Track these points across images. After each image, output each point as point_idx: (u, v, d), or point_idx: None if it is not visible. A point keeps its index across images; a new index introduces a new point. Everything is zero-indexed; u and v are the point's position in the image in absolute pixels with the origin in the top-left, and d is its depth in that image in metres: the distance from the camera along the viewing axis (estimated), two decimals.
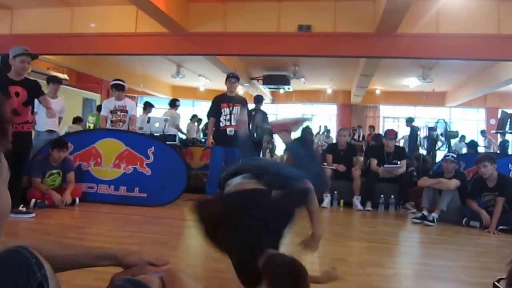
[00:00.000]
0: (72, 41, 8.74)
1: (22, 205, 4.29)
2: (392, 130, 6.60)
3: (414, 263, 3.34)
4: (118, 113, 5.91)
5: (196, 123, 11.61)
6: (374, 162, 6.14)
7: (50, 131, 5.73)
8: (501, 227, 4.54)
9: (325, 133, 13.10)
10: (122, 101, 5.97)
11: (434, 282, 2.67)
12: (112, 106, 5.94)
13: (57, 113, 5.93)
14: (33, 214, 4.19)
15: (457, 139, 9.64)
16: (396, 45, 7.75)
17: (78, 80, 13.32)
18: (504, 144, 10.03)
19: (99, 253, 1.21)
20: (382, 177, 6.08)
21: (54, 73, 9.93)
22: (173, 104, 8.82)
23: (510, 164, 5.57)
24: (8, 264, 0.98)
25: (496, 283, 0.72)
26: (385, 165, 6.04)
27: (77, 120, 9.46)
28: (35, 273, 1.00)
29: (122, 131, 5.74)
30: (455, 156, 5.46)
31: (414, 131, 10.77)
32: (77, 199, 5.07)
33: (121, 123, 5.91)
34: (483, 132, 12.89)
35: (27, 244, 1.05)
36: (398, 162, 6.07)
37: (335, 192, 6.18)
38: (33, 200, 4.64)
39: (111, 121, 5.91)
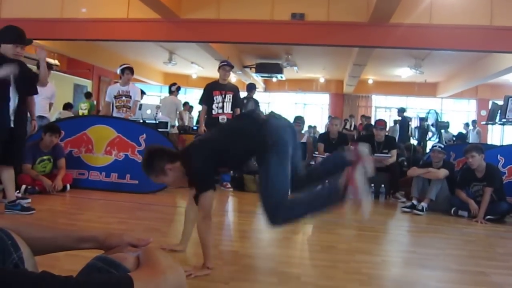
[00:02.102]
0: (62, 26, 8.62)
1: (17, 191, 4.26)
2: (383, 120, 6.62)
3: (402, 251, 3.39)
4: (123, 98, 5.87)
5: (187, 111, 11.55)
6: None
7: (41, 117, 5.69)
8: (488, 216, 4.60)
9: (312, 128, 13.11)
10: (126, 87, 5.93)
11: (422, 270, 2.72)
12: (116, 92, 5.90)
13: (48, 99, 5.90)
14: (29, 200, 4.16)
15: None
16: (389, 35, 7.76)
17: (69, 66, 13.17)
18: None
19: (79, 235, 1.20)
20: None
21: None
22: (174, 89, 8.43)
23: (499, 155, 5.63)
24: None
25: None
26: (375, 154, 6.07)
27: (67, 106, 9.38)
28: (11, 255, 0.99)
29: (114, 118, 5.70)
30: (443, 146, 5.50)
31: (405, 121, 10.83)
32: (68, 186, 5.05)
33: (124, 109, 5.86)
34: (474, 122, 12.95)
35: (4, 226, 1.04)
36: (388, 152, 6.11)
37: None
38: (23, 186, 4.62)
39: (116, 107, 5.87)
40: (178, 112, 8.18)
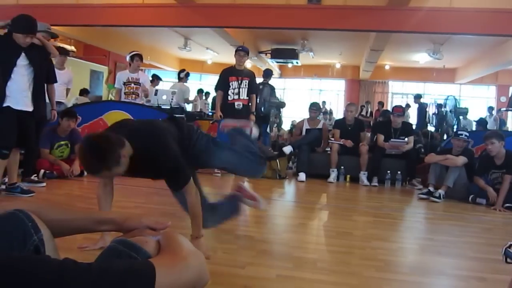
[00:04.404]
0: (79, 12, 8.67)
1: (35, 175, 4.40)
2: (400, 107, 6.51)
3: (419, 238, 3.36)
4: (132, 85, 5.91)
5: (204, 97, 11.56)
6: (380, 137, 6.11)
7: (58, 103, 5.74)
8: (507, 204, 4.54)
9: (328, 114, 13.01)
10: (136, 74, 5.96)
11: (439, 257, 2.69)
12: (125, 78, 5.94)
13: (65, 85, 5.96)
14: (44, 184, 4.28)
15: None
16: (408, 19, 7.60)
17: (85, 52, 13.26)
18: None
19: (98, 217, 1.21)
20: (389, 153, 6.06)
21: (61, 45, 9.88)
22: (182, 76, 8.30)
23: None
24: (3, 227, 0.98)
25: (508, 249, 0.70)
26: (391, 140, 6.01)
27: (84, 92, 9.46)
28: (31, 236, 1.00)
29: (129, 103, 5.73)
30: (468, 135, 5.35)
31: (422, 107, 10.67)
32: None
33: (133, 95, 5.89)
34: (490, 109, 12.73)
35: (25, 208, 1.05)
36: (405, 138, 6.04)
37: (342, 167, 6.18)
38: (42, 171, 4.70)
39: (124, 93, 5.91)
40: (185, 99, 8.11)
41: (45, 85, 4.07)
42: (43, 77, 3.92)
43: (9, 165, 3.83)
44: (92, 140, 1.98)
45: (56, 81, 4.46)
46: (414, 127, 7.84)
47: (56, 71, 5.69)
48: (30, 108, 3.74)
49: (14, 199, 3.69)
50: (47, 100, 4.19)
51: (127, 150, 2.04)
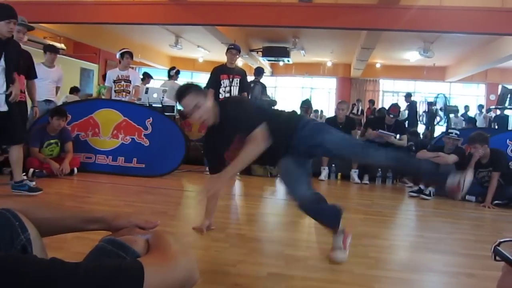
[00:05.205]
0: (69, 9, 8.59)
1: (24, 174, 4.33)
2: (397, 108, 6.39)
3: (410, 235, 3.39)
4: (122, 83, 5.88)
5: None
6: (370, 131, 6.09)
7: (48, 101, 5.70)
8: (496, 201, 4.59)
9: (319, 113, 13.06)
10: (126, 71, 5.93)
11: (429, 254, 2.71)
12: (115, 76, 5.90)
13: (55, 83, 5.91)
14: (34, 183, 4.22)
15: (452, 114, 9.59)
16: (398, 17, 7.63)
17: (75, 49, 13.14)
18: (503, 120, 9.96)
19: (87, 216, 1.20)
20: (373, 140, 5.94)
21: (51, 42, 9.78)
22: (173, 74, 8.18)
23: (508, 140, 5.57)
24: None
25: (497, 247, 0.70)
26: (380, 130, 5.93)
27: (74, 90, 9.36)
28: (18, 236, 0.99)
29: (120, 102, 5.70)
30: (459, 133, 5.38)
31: (413, 106, 10.74)
32: (76, 169, 5.08)
33: (124, 93, 5.86)
34: (480, 107, 12.85)
35: (12, 207, 1.04)
36: (397, 136, 6.04)
37: (333, 165, 6.19)
38: (31, 170, 4.65)
39: (115, 91, 5.88)
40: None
41: (25, 81, 3.99)
42: (12, 72, 3.83)
43: (11, 164, 3.78)
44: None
45: (36, 77, 4.39)
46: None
47: (46, 69, 5.68)
48: (4, 108, 3.63)
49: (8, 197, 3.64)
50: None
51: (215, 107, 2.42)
